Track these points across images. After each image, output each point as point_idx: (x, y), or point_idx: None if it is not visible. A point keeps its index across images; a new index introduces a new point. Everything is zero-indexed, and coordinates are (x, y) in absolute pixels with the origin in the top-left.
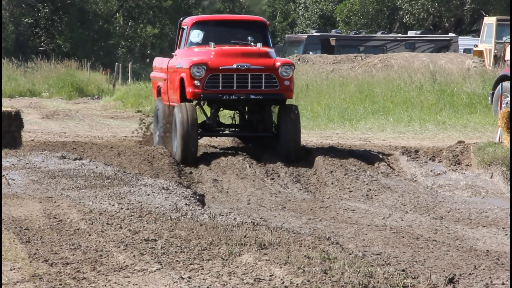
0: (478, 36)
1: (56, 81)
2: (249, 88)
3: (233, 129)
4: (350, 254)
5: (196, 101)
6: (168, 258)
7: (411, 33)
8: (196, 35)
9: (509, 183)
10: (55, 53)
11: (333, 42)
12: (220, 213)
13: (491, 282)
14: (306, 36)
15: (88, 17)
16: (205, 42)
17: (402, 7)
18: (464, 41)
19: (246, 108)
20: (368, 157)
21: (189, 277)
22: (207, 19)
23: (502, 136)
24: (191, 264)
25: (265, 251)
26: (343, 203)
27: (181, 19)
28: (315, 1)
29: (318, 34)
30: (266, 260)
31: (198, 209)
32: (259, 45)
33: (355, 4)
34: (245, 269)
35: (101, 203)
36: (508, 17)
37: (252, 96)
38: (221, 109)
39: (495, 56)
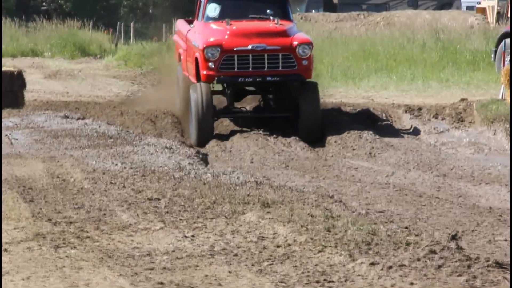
0: None
1: (58, 41)
2: (265, 69)
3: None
4: (353, 212)
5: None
6: (171, 217)
7: None
8: (213, 9)
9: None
10: (56, 12)
11: (335, 0)
12: (223, 172)
13: (494, 238)
14: None
15: None
16: (221, 17)
17: None
18: None
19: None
20: (371, 115)
21: (193, 236)
22: None
23: (505, 93)
24: (194, 222)
25: (268, 209)
26: (346, 161)
27: None
28: None
29: None
30: (269, 218)
31: (202, 168)
32: (277, 20)
33: None
34: (249, 228)
35: (104, 163)
36: None
37: (269, 78)
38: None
39: (498, 13)
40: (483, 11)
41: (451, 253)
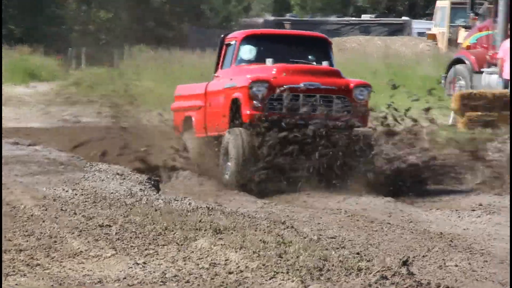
0: (432, 20)
1: (9, 66)
2: (317, 112)
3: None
4: (305, 238)
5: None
6: (122, 243)
7: (365, 17)
8: (248, 51)
9: None
10: (7, 38)
11: (288, 26)
12: (175, 198)
13: (444, 263)
14: (261, 21)
15: (40, 1)
16: (258, 59)
17: None
18: (418, 25)
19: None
20: None
21: (144, 263)
22: (260, 33)
23: (455, 119)
24: (146, 249)
25: (220, 235)
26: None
27: (223, 35)
28: None
29: (273, 18)
30: (221, 244)
31: (153, 194)
32: (325, 63)
33: None
34: (200, 254)
35: (55, 189)
36: (461, 1)
37: (321, 122)
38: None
39: (449, 39)
40: (434, 37)
41: (402, 279)
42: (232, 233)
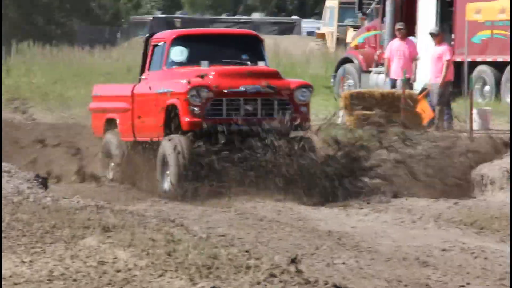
0: (321, 19)
1: None
2: (258, 116)
3: None
4: (194, 236)
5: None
6: (9, 242)
7: (255, 15)
8: (179, 53)
9: None
10: None
11: (178, 24)
12: (63, 196)
13: (332, 261)
14: (151, 18)
15: None
16: (190, 61)
17: None
18: (307, 24)
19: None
20: None
21: (31, 261)
22: (191, 33)
23: (345, 117)
24: (33, 247)
25: (109, 234)
26: None
27: (148, 35)
28: None
29: (164, 15)
30: (109, 243)
31: (41, 192)
32: (261, 63)
33: None
34: (88, 252)
35: None
36: (350, 1)
37: (264, 126)
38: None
39: (337, 38)
40: (323, 36)
41: (290, 277)
42: (120, 231)
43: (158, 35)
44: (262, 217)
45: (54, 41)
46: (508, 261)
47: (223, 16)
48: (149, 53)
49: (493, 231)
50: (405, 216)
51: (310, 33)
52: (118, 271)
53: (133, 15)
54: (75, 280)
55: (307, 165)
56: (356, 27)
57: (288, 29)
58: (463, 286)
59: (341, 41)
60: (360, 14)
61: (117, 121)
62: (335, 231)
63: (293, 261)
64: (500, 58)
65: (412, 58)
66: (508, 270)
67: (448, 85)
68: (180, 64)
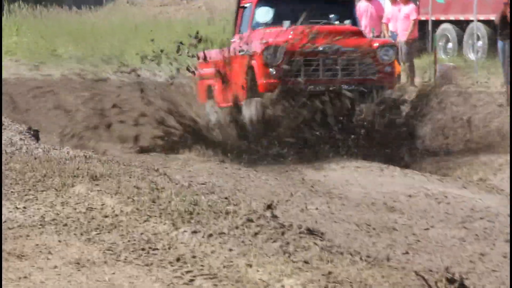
0: None
1: None
2: (339, 76)
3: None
4: (176, 184)
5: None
6: (3, 189)
7: None
8: (264, 14)
9: None
10: None
11: None
12: (53, 147)
13: (306, 207)
14: None
15: None
16: (276, 22)
17: None
18: None
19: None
20: None
21: (24, 207)
22: None
23: None
24: (26, 195)
25: (97, 182)
26: None
27: None
28: None
29: None
30: (97, 190)
31: (33, 143)
32: (347, 23)
33: None
34: (78, 199)
35: None
36: None
37: (346, 87)
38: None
39: None
40: None
41: (266, 221)
42: (108, 180)
43: None
44: (240, 166)
45: (43, 1)
46: (469, 205)
47: None
48: (239, 16)
49: (455, 178)
50: (374, 165)
51: None
52: (106, 216)
53: None
54: (65, 225)
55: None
56: None
57: None
58: (427, 229)
59: None
60: None
61: (214, 87)
62: (309, 179)
63: (269, 207)
64: (462, 17)
65: (379, 17)
66: (469, 214)
67: (414, 42)
68: (265, 25)
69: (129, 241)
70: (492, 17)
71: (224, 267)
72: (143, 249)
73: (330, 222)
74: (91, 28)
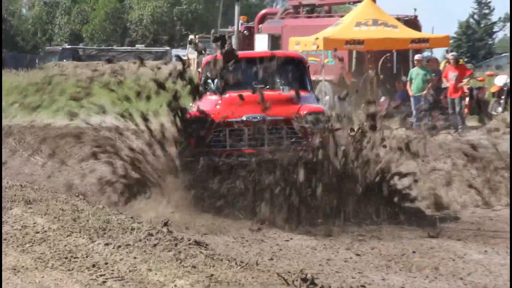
0: (186, 48)
1: None
2: (266, 146)
3: None
4: (93, 206)
5: None
6: None
7: (138, 46)
8: (209, 80)
9: None
10: None
11: (81, 52)
12: None
13: (194, 223)
14: (61, 48)
15: None
16: (218, 88)
17: (131, 27)
18: (176, 52)
19: None
20: None
21: None
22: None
23: None
24: None
25: (30, 205)
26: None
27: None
28: (67, 22)
29: (70, 46)
30: (31, 212)
31: None
32: (286, 89)
33: (96, 25)
34: (15, 219)
35: None
36: (206, 35)
37: (268, 157)
38: None
39: (198, 63)
40: (188, 61)
41: (163, 235)
42: (39, 203)
43: (204, 58)
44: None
45: None
46: None
47: (114, 47)
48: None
49: None
50: None
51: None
52: (37, 232)
53: (47, 46)
54: (4, 239)
55: None
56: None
57: (161, 56)
58: (287, 240)
59: (200, 65)
60: (213, 45)
61: None
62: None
63: (165, 224)
64: (313, 78)
65: None
66: None
67: None
68: (210, 91)
69: (55, 251)
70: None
71: (130, 271)
72: (66, 258)
73: (213, 235)
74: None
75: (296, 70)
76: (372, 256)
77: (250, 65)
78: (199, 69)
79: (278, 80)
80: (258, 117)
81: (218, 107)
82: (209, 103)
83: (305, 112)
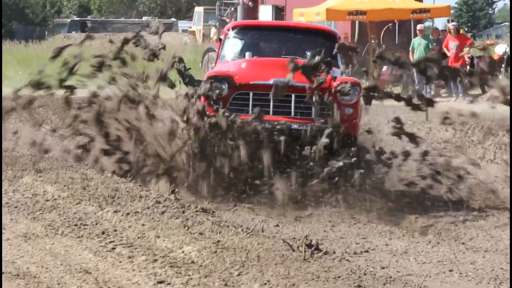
0: (192, 20)
1: None
2: (292, 115)
3: None
4: (102, 174)
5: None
6: None
7: (145, 18)
8: (232, 46)
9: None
10: None
11: (89, 25)
12: (6, 149)
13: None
14: (69, 20)
15: None
16: (243, 55)
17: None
18: (182, 24)
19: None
20: None
21: None
22: (250, 25)
23: None
24: None
25: (40, 174)
26: None
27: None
28: None
29: (78, 18)
30: (41, 180)
31: None
32: (316, 58)
33: None
34: (25, 187)
35: None
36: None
37: (295, 126)
38: None
39: (203, 34)
40: (193, 33)
41: (171, 203)
42: (49, 172)
43: (226, 26)
44: None
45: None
46: None
47: (121, 19)
48: (219, 46)
49: None
50: None
51: (184, 31)
52: (47, 200)
53: (56, 18)
54: (16, 207)
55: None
56: (216, 26)
57: (168, 27)
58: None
59: (206, 37)
60: (219, 17)
61: None
62: None
63: (173, 192)
64: None
65: None
66: None
67: None
68: (234, 58)
69: (65, 219)
70: None
71: (138, 238)
72: (75, 225)
73: (218, 203)
74: (36, 57)
75: (328, 45)
76: (376, 222)
77: (279, 35)
78: (221, 36)
79: (308, 53)
80: (286, 81)
81: (243, 67)
82: (233, 64)
83: (337, 82)
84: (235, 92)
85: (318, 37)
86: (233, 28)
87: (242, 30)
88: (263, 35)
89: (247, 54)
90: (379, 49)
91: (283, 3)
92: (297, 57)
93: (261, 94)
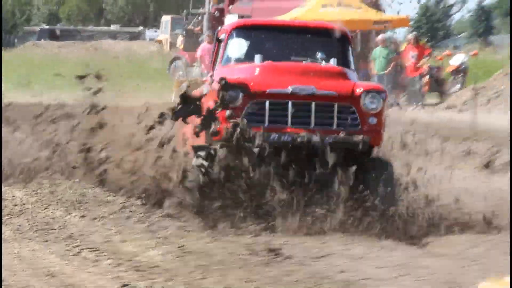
0: (159, 29)
1: None
2: (312, 125)
3: None
4: (70, 180)
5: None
6: None
7: (113, 27)
8: (237, 47)
9: None
10: None
11: (58, 33)
12: None
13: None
14: (39, 28)
15: None
16: (249, 58)
17: (106, 9)
18: (150, 33)
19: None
20: None
21: None
22: (254, 24)
23: (175, 97)
24: None
25: (9, 181)
26: None
27: (218, 28)
28: (44, 3)
29: (47, 27)
30: (8, 186)
31: None
32: (332, 61)
33: (72, 6)
34: None
35: None
36: (178, 16)
37: (315, 139)
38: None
39: (170, 43)
40: (160, 41)
41: (137, 208)
42: (17, 178)
43: (222, 28)
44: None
45: None
46: None
47: (90, 27)
48: (216, 50)
49: None
50: None
51: (151, 39)
52: (16, 205)
53: (26, 26)
54: None
55: None
56: (183, 35)
57: (136, 36)
58: None
59: (173, 45)
60: (186, 25)
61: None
62: None
63: (139, 197)
64: None
65: None
66: None
67: None
68: (239, 60)
69: (33, 223)
70: None
71: (104, 242)
72: (43, 229)
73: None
74: (4, 64)
75: (340, 45)
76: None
77: (288, 35)
78: (221, 37)
79: (319, 54)
80: (308, 90)
81: (256, 74)
82: (243, 70)
83: (361, 90)
84: (250, 102)
85: (330, 36)
86: (237, 27)
87: (248, 30)
88: (272, 36)
89: (257, 57)
90: None
91: (249, 13)
92: (315, 60)
93: (278, 104)
